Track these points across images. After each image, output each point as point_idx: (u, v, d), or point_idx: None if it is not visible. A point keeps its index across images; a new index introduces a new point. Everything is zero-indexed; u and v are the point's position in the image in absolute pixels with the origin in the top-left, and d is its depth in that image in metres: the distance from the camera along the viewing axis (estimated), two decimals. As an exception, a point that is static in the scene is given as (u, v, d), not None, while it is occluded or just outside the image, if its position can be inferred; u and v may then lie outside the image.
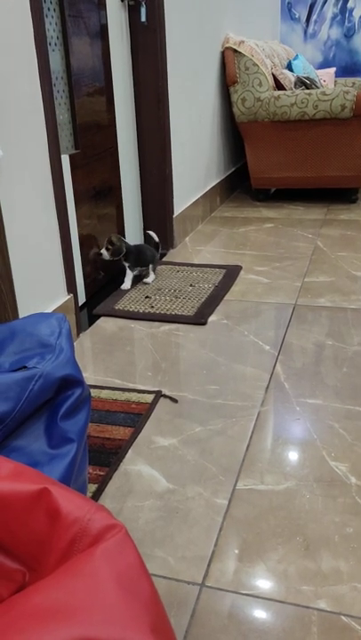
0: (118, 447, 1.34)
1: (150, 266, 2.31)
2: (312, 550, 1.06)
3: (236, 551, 1.06)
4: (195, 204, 3.01)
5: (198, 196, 3.08)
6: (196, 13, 2.81)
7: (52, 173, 1.74)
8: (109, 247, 2.20)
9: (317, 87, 3.54)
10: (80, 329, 1.95)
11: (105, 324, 2.01)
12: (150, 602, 0.56)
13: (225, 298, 2.16)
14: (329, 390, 1.55)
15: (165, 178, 2.62)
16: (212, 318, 2.00)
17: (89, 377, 1.67)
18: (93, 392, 1.57)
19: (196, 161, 3.02)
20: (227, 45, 3.22)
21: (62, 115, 2.02)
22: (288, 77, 3.37)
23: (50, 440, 0.88)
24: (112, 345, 1.85)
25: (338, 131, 3.16)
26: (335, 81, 4.34)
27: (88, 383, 1.59)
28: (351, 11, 4.88)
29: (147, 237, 2.60)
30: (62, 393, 0.92)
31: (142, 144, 2.59)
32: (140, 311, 2.06)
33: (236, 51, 3.19)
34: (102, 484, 1.23)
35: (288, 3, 4.98)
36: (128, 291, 2.25)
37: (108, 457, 1.31)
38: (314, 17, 4.97)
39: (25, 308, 1.67)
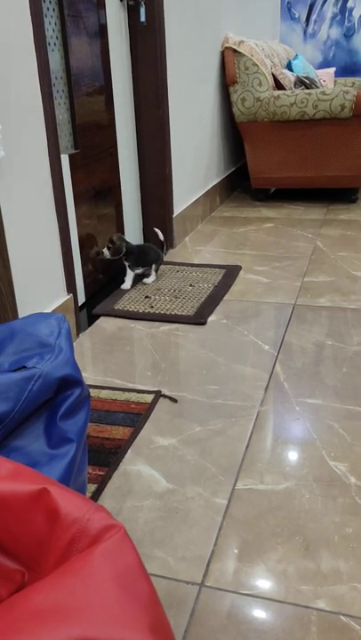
0: (118, 447, 1.34)
1: (153, 266, 2.31)
2: (312, 550, 1.06)
3: (236, 551, 1.06)
4: (194, 203, 3.01)
5: (198, 195, 3.08)
6: (195, 13, 2.81)
7: (52, 173, 1.74)
8: (110, 246, 2.21)
9: (317, 87, 3.54)
10: (80, 329, 1.95)
11: (104, 323, 2.01)
12: (149, 602, 0.56)
13: (225, 298, 2.16)
14: (329, 390, 1.55)
15: (165, 178, 2.62)
16: (211, 318, 2.00)
17: (88, 377, 1.67)
18: (93, 392, 1.57)
19: (195, 161, 3.02)
20: (226, 45, 3.21)
21: (62, 114, 2.01)
22: (288, 77, 3.37)
23: (49, 440, 0.88)
24: (112, 345, 1.85)
25: (337, 130, 3.16)
26: (335, 81, 4.34)
27: (87, 383, 1.59)
28: (351, 10, 4.88)
29: (151, 235, 2.60)
30: (62, 393, 0.92)
31: (142, 144, 2.59)
32: (140, 311, 2.06)
33: (235, 50, 3.19)
34: (102, 484, 1.23)
35: (288, 2, 4.98)
36: (128, 291, 2.25)
37: (107, 457, 1.31)
38: (314, 17, 4.97)
39: (24, 307, 1.67)
